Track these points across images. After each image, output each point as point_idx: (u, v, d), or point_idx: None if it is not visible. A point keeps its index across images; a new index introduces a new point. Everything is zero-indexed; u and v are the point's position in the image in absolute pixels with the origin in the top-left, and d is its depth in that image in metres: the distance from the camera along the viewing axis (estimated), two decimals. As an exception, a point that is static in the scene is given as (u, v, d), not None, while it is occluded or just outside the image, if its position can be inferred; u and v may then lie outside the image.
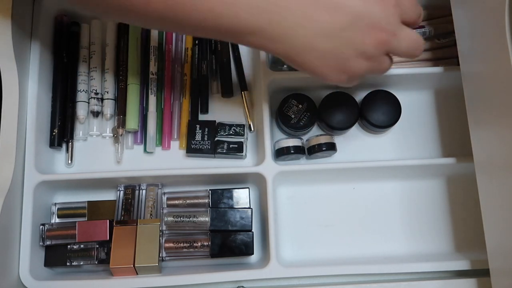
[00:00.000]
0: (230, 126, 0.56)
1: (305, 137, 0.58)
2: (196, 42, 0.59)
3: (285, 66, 0.57)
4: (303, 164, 0.57)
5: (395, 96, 0.57)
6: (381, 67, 0.41)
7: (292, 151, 0.55)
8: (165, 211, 0.52)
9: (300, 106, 0.56)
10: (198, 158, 0.57)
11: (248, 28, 0.36)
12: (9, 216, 0.48)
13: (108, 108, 0.56)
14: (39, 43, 0.54)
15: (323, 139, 0.56)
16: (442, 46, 0.61)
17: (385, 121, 0.57)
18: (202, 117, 0.58)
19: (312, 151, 0.56)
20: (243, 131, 0.56)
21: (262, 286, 0.53)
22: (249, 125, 0.57)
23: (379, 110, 0.56)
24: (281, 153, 0.55)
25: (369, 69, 0.40)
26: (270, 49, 0.38)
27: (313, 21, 0.36)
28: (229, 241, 0.52)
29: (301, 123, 0.56)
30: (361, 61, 0.39)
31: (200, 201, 0.54)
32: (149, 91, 0.57)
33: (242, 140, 0.56)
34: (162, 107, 0.58)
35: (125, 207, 0.53)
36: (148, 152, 0.57)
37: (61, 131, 0.55)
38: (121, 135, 0.56)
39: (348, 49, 0.38)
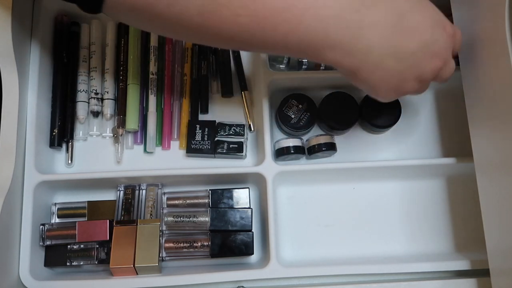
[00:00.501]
0: (230, 126, 0.56)
1: (305, 137, 0.58)
2: (196, 42, 0.59)
3: (282, 66, 0.56)
4: (303, 164, 0.57)
5: (395, 96, 0.57)
6: (423, 90, 0.44)
7: (292, 151, 0.55)
8: (165, 211, 0.52)
9: (300, 106, 0.56)
10: (198, 158, 0.57)
11: (331, 42, 0.38)
12: (9, 216, 0.48)
13: (108, 108, 0.56)
14: (39, 43, 0.54)
15: (323, 139, 0.56)
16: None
17: (385, 121, 0.57)
18: (202, 117, 0.58)
19: (312, 151, 0.56)
20: (243, 131, 0.56)
21: (262, 286, 0.53)
22: (249, 125, 0.57)
23: (379, 110, 0.56)
24: (281, 153, 0.55)
25: (416, 90, 0.43)
26: (342, 64, 0.39)
27: (389, 42, 0.38)
28: (229, 241, 0.52)
29: (301, 123, 0.56)
30: (415, 83, 0.42)
31: (200, 201, 0.54)
32: (149, 91, 0.57)
33: (242, 140, 0.56)
34: (162, 107, 0.58)
35: (125, 207, 0.53)
36: (148, 152, 0.57)
37: (61, 131, 0.55)
38: (121, 135, 0.56)
39: (411, 72, 0.41)
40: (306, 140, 0.57)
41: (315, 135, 0.56)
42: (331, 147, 0.56)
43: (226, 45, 0.40)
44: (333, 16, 0.37)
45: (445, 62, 0.42)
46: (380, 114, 0.56)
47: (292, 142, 0.55)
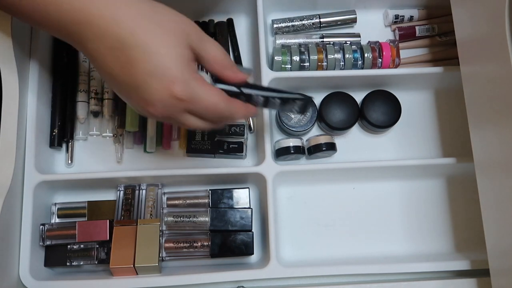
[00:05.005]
0: (230, 126, 0.56)
1: (305, 137, 0.58)
2: (196, 42, 0.59)
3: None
4: (303, 164, 0.57)
5: (395, 96, 0.57)
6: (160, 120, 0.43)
7: (292, 151, 0.55)
8: (165, 211, 0.52)
9: (300, 106, 0.56)
10: (198, 158, 0.57)
11: (64, 36, 0.38)
12: (9, 216, 0.48)
13: (108, 108, 0.56)
14: (39, 44, 0.54)
15: (323, 139, 0.56)
16: (443, 44, 0.61)
17: (385, 121, 0.57)
18: (202, 117, 0.58)
19: (312, 151, 0.56)
20: (243, 131, 0.56)
21: (262, 286, 0.53)
22: (249, 125, 0.57)
23: (379, 110, 0.56)
24: (281, 153, 0.55)
25: (143, 112, 0.40)
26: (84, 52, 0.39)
27: (101, 62, 0.38)
28: (229, 241, 0.52)
29: (301, 123, 0.56)
30: (142, 112, 0.40)
31: (200, 201, 0.54)
32: (149, 91, 0.57)
33: (242, 140, 0.56)
34: (162, 107, 0.58)
35: (125, 207, 0.53)
36: (148, 152, 0.57)
37: (61, 131, 0.55)
38: (121, 135, 0.56)
39: (129, 100, 0.39)
40: (306, 140, 0.57)
41: (315, 135, 0.56)
42: (331, 147, 0.56)
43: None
44: (57, 13, 0.37)
45: (168, 115, 0.39)
46: (380, 114, 0.56)
47: (292, 142, 0.55)
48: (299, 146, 0.55)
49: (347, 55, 0.58)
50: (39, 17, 0.38)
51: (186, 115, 0.40)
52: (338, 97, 0.57)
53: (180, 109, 0.39)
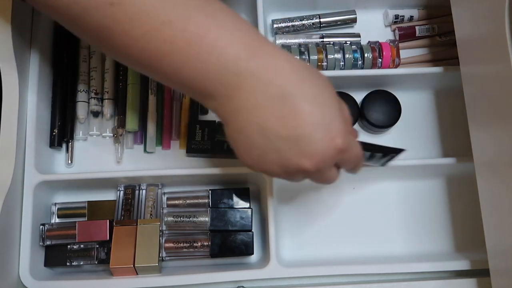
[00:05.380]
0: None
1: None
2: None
3: None
4: (303, 164, 0.57)
5: (395, 96, 0.57)
6: (294, 180, 0.42)
7: None
8: (165, 211, 0.52)
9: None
10: (198, 158, 0.57)
11: (208, 94, 0.37)
12: (9, 216, 0.48)
13: (108, 108, 0.56)
14: (39, 43, 0.54)
15: None
16: (443, 44, 0.61)
17: (385, 121, 0.57)
18: (202, 117, 0.58)
19: None
20: (243, 131, 0.56)
21: (262, 286, 0.53)
22: (249, 125, 0.57)
23: (379, 110, 0.56)
24: None
25: (282, 176, 0.40)
26: (217, 112, 0.39)
27: (259, 113, 0.36)
28: (229, 241, 0.52)
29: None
30: (278, 169, 0.39)
31: (200, 201, 0.54)
32: (149, 91, 0.57)
33: (242, 140, 0.56)
34: (162, 107, 0.58)
35: (125, 207, 0.53)
36: (148, 152, 0.57)
37: (61, 131, 0.55)
38: (121, 135, 0.56)
39: (273, 155, 0.38)
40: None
41: None
42: None
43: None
44: (214, 71, 0.36)
45: (318, 170, 0.38)
46: (380, 114, 0.56)
47: None
48: None
49: (347, 55, 0.58)
50: (190, 68, 0.36)
51: (333, 168, 0.40)
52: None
53: (334, 162, 0.39)
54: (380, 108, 0.56)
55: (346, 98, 0.57)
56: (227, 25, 0.36)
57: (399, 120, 0.57)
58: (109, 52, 0.39)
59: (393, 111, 0.57)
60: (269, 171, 0.40)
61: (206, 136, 0.56)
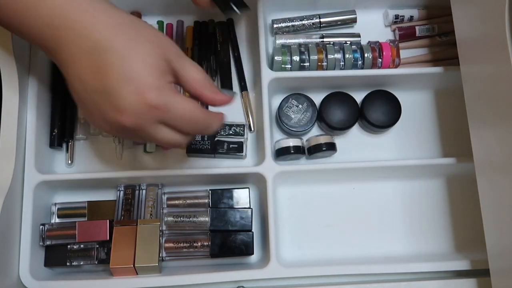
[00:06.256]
0: (230, 126, 0.56)
1: (305, 137, 0.58)
2: (196, 42, 0.59)
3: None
4: (303, 164, 0.57)
5: (395, 96, 0.57)
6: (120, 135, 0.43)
7: (292, 151, 0.55)
8: (165, 211, 0.52)
9: (300, 106, 0.56)
10: (198, 158, 0.57)
11: (38, 44, 0.39)
12: (9, 216, 0.48)
13: (108, 108, 0.56)
14: (39, 43, 0.54)
15: (323, 139, 0.56)
16: (443, 44, 0.61)
17: (385, 121, 0.57)
18: (202, 117, 0.58)
19: (312, 151, 0.56)
20: (243, 131, 0.56)
21: (262, 286, 0.53)
22: (249, 125, 0.57)
23: (379, 110, 0.56)
24: (281, 153, 0.55)
25: (112, 133, 0.41)
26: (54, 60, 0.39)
27: (75, 67, 0.37)
28: (229, 241, 0.52)
29: (301, 123, 0.56)
30: (105, 125, 0.38)
31: (200, 201, 0.54)
32: (149, 91, 0.57)
33: (242, 140, 0.56)
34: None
35: (125, 207, 0.53)
36: (148, 152, 0.57)
37: (61, 131, 0.55)
38: (121, 135, 0.56)
39: (95, 109, 0.38)
40: (306, 140, 0.57)
41: (315, 135, 0.56)
42: (331, 147, 0.56)
43: None
44: (35, 22, 0.37)
45: (139, 126, 0.37)
46: (380, 114, 0.56)
47: (292, 142, 0.55)
48: (299, 146, 0.55)
49: (347, 55, 0.58)
50: (17, 21, 0.38)
51: (159, 126, 0.38)
52: (338, 97, 0.57)
53: (153, 119, 0.37)
54: (380, 108, 0.56)
55: (346, 98, 0.57)
56: None
57: (399, 120, 0.57)
58: None
59: (393, 111, 0.57)
60: (101, 127, 0.39)
61: (206, 136, 0.56)
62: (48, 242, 0.51)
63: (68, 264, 0.51)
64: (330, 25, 0.61)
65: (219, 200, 0.54)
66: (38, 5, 0.37)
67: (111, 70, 0.36)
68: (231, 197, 0.54)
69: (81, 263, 0.51)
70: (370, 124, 0.57)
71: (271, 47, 0.60)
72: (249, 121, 0.57)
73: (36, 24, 0.37)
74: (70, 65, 0.37)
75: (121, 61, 0.36)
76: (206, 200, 0.54)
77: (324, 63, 0.58)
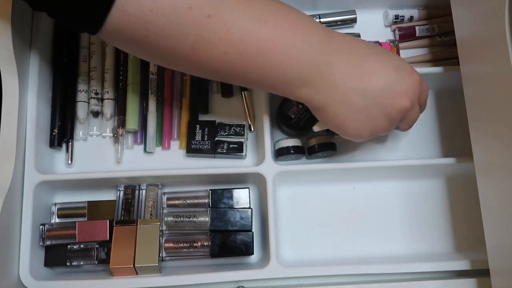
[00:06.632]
0: (230, 126, 0.56)
1: (305, 137, 0.58)
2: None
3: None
4: (303, 164, 0.57)
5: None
6: (389, 131, 0.47)
7: (292, 151, 0.55)
8: (165, 211, 0.52)
9: (300, 106, 0.56)
10: (198, 158, 0.57)
11: (303, 81, 0.42)
12: (9, 216, 0.48)
13: (108, 108, 0.56)
14: (39, 43, 0.54)
15: (323, 139, 0.56)
16: (443, 44, 0.61)
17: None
18: (202, 117, 0.58)
19: (312, 151, 0.56)
20: (243, 131, 0.56)
21: (262, 286, 0.53)
22: (249, 125, 0.57)
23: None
24: (281, 153, 0.55)
25: (387, 129, 0.46)
26: (313, 100, 0.44)
27: (352, 78, 0.43)
28: (229, 241, 0.52)
29: (301, 123, 0.56)
30: (385, 122, 0.45)
31: (200, 201, 0.54)
32: (149, 91, 0.57)
33: (242, 140, 0.56)
34: (162, 107, 0.58)
35: (125, 207, 0.53)
36: (148, 152, 0.57)
37: (61, 131, 0.55)
38: (121, 135, 0.56)
39: (378, 109, 0.44)
40: (307, 140, 0.57)
41: (315, 135, 0.56)
42: (331, 147, 0.56)
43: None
44: (307, 59, 0.41)
45: (412, 104, 0.45)
46: None
47: (292, 142, 0.55)
48: (299, 146, 0.55)
49: (347, 55, 0.57)
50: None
51: (417, 105, 0.46)
52: (338, 97, 0.57)
53: (418, 95, 0.45)
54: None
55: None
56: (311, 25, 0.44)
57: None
58: (195, 68, 0.42)
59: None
60: (378, 129, 0.45)
61: (206, 136, 0.56)
62: (48, 242, 0.51)
63: (68, 264, 0.51)
64: (330, 25, 0.61)
65: (219, 200, 0.54)
66: (312, 38, 0.42)
67: (385, 65, 0.44)
68: (231, 197, 0.54)
69: (81, 263, 0.51)
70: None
71: (271, 47, 0.60)
72: (249, 121, 0.57)
73: (309, 55, 0.42)
74: (346, 81, 0.42)
75: (385, 56, 0.44)
76: (206, 200, 0.54)
77: (324, 63, 0.57)
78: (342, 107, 0.43)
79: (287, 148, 0.55)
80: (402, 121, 0.47)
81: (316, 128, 0.50)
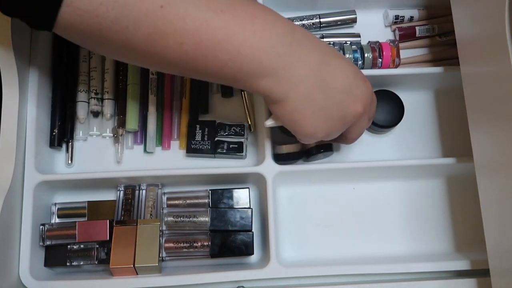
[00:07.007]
0: (230, 126, 0.56)
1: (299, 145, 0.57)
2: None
3: None
4: (303, 164, 0.57)
5: (398, 96, 0.57)
6: (336, 136, 0.47)
7: (291, 158, 0.54)
8: (165, 211, 0.52)
9: (300, 106, 0.56)
10: (198, 158, 0.57)
11: (264, 71, 0.41)
12: (9, 216, 0.48)
13: (108, 108, 0.56)
14: (40, 43, 0.54)
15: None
16: (443, 44, 0.61)
17: (388, 121, 0.56)
18: (202, 117, 0.58)
19: (310, 154, 0.55)
20: (243, 131, 0.56)
21: (262, 286, 0.53)
22: (249, 125, 0.57)
23: (381, 110, 0.56)
24: (279, 159, 0.55)
25: (335, 134, 0.46)
26: (272, 91, 0.42)
27: (317, 75, 0.42)
28: (229, 241, 0.52)
29: (301, 123, 0.56)
30: (339, 124, 0.45)
31: (200, 201, 0.54)
32: (149, 91, 0.57)
33: (242, 140, 0.56)
34: (162, 107, 0.58)
35: (125, 207, 0.53)
36: (148, 152, 0.57)
37: (61, 131, 0.55)
38: (121, 135, 0.56)
39: (337, 110, 0.43)
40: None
41: None
42: (329, 148, 0.55)
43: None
44: (268, 48, 0.40)
45: (364, 111, 0.45)
46: (383, 114, 0.56)
47: (291, 148, 0.55)
48: (297, 152, 0.55)
49: (347, 55, 0.58)
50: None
51: (367, 114, 0.47)
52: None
53: (370, 104, 0.46)
54: (382, 108, 0.56)
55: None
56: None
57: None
58: (152, 61, 0.40)
59: (396, 111, 0.57)
60: (333, 130, 0.45)
61: (206, 136, 0.56)
62: (48, 242, 0.51)
63: (68, 264, 0.51)
64: (330, 25, 0.61)
65: (219, 200, 0.54)
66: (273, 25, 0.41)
67: (346, 69, 0.43)
68: (231, 197, 0.54)
69: (81, 263, 0.51)
70: (372, 124, 0.57)
71: (271, 47, 0.60)
72: (249, 121, 0.57)
73: (271, 44, 0.40)
74: (309, 76, 0.42)
75: (344, 62, 0.44)
76: (206, 200, 0.54)
77: (324, 63, 0.58)
78: (303, 103, 0.42)
79: (287, 154, 0.55)
80: (352, 128, 0.47)
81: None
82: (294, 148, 0.55)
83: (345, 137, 0.49)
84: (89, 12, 0.35)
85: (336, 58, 0.44)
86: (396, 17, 0.61)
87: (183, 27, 0.37)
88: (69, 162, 0.55)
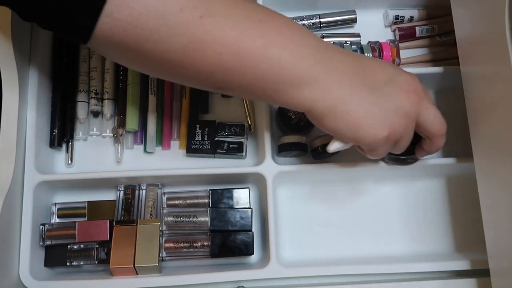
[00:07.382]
0: (230, 126, 0.56)
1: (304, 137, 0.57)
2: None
3: None
4: (303, 164, 0.57)
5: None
6: (408, 132, 0.45)
7: (294, 148, 0.54)
8: (165, 211, 0.52)
9: (300, 106, 0.56)
10: (198, 158, 0.57)
11: (307, 78, 0.40)
12: (9, 216, 0.48)
13: (108, 108, 0.56)
14: (39, 44, 0.54)
15: (327, 139, 0.55)
16: (443, 44, 0.61)
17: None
18: (202, 117, 0.58)
19: (316, 152, 0.55)
20: (243, 131, 0.56)
21: (262, 286, 0.53)
22: (249, 125, 0.57)
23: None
24: (283, 149, 0.55)
25: (404, 129, 0.43)
26: (318, 101, 0.41)
27: (356, 74, 0.42)
28: (229, 241, 0.52)
29: (301, 123, 0.56)
30: (400, 117, 0.42)
31: (200, 201, 0.54)
32: (149, 91, 0.57)
33: (242, 140, 0.56)
34: (162, 107, 0.58)
35: (125, 207, 0.53)
36: (148, 152, 0.57)
37: (61, 131, 0.55)
38: (121, 135, 0.56)
39: (389, 101, 0.42)
40: (310, 142, 0.56)
41: (318, 136, 0.55)
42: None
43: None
44: (307, 54, 0.40)
45: (420, 97, 0.44)
46: None
47: (295, 138, 0.55)
48: (302, 143, 0.55)
49: (347, 55, 0.57)
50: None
51: (426, 100, 0.45)
52: (338, 97, 0.57)
53: (421, 89, 0.45)
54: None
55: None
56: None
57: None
58: (188, 72, 0.39)
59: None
60: (395, 124, 0.42)
61: (206, 136, 0.56)
62: (48, 242, 0.51)
63: (68, 264, 0.51)
64: (330, 25, 0.61)
65: (219, 200, 0.54)
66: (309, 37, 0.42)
67: (378, 64, 0.44)
68: (231, 197, 0.54)
69: (81, 263, 0.51)
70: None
71: (271, 47, 0.60)
72: (249, 121, 0.57)
73: (308, 53, 0.40)
74: (345, 77, 0.41)
75: (376, 60, 0.45)
76: (206, 200, 0.54)
77: (324, 63, 0.57)
78: (353, 104, 0.41)
79: (290, 144, 0.55)
80: (424, 122, 0.45)
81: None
82: (298, 139, 0.55)
83: (430, 138, 0.47)
84: (128, 22, 0.35)
85: (364, 57, 0.45)
86: (396, 17, 0.61)
87: (222, 36, 0.37)
88: (69, 162, 0.56)
